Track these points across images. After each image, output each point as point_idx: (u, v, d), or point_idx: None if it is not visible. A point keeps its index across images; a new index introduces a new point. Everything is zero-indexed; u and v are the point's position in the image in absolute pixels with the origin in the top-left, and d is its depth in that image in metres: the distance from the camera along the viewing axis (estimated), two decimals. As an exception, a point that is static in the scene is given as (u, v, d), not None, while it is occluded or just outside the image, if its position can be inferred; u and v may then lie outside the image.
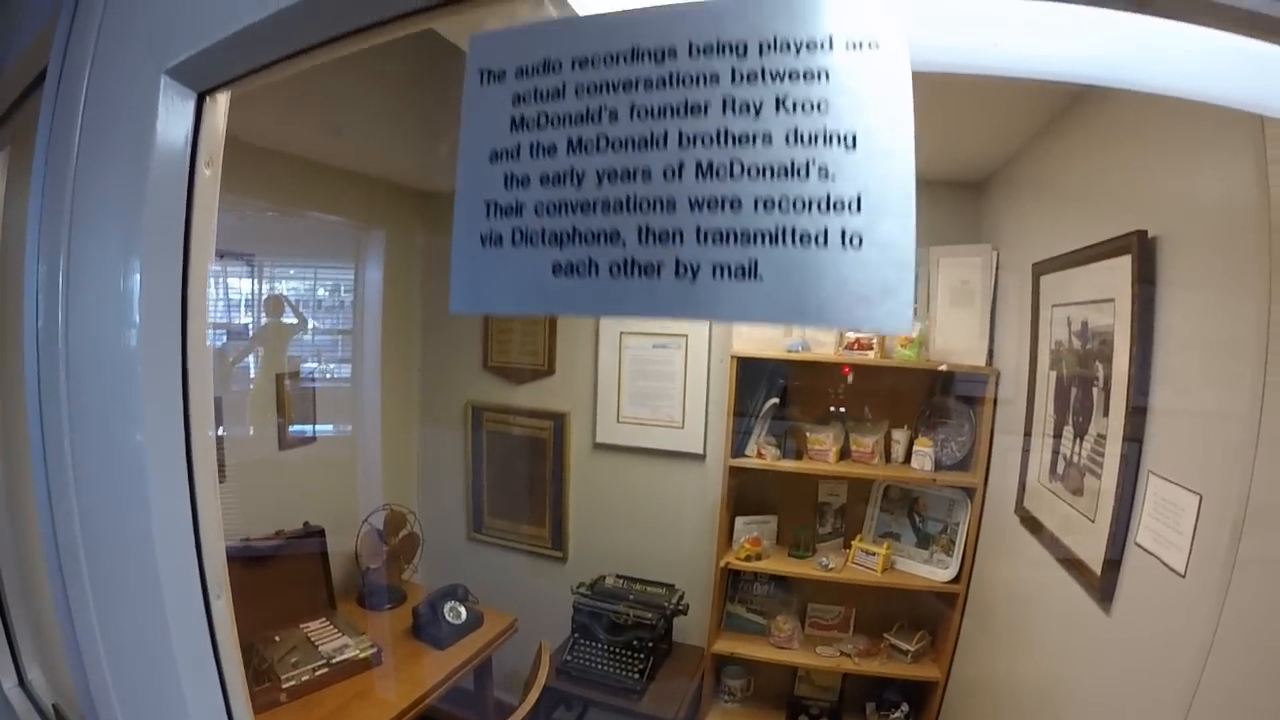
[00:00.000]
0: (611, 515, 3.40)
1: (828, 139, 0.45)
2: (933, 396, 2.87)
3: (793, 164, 0.46)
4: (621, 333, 3.28)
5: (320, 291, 3.39)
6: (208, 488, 0.89)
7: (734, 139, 0.48)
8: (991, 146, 2.52)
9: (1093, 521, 1.84)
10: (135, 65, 0.83)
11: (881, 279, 0.44)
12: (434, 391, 3.62)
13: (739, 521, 3.07)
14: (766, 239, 0.46)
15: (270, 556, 2.75)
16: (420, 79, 2.06)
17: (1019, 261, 2.46)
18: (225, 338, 3.00)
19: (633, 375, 3.28)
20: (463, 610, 2.96)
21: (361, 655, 2.66)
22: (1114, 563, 1.72)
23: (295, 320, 3.17)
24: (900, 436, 2.91)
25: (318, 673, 2.53)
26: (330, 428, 3.25)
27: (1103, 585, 1.76)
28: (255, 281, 3.09)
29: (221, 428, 2.79)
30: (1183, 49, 0.57)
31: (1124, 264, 1.72)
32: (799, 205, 0.46)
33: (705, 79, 0.49)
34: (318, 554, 2.96)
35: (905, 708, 2.90)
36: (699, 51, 0.49)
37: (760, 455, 2.98)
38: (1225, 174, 1.43)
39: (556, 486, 3.43)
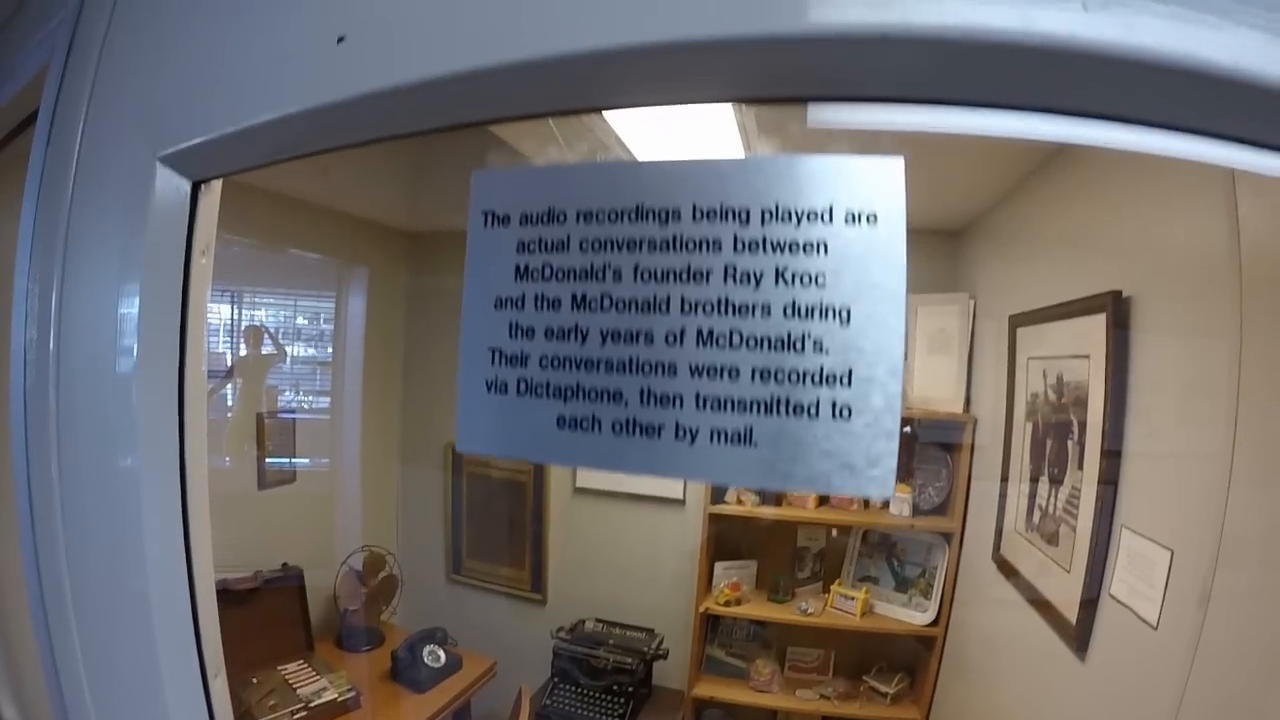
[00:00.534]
0: (591, 559, 3.42)
1: (823, 313, 0.48)
2: (910, 443, 2.92)
3: (789, 336, 0.49)
4: None
5: (300, 320, 3.39)
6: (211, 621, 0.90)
7: (735, 309, 0.50)
8: (970, 196, 2.57)
9: (1068, 571, 1.89)
10: (128, 144, 0.84)
11: (867, 450, 0.47)
12: (414, 432, 3.61)
13: (719, 566, 3.10)
14: (762, 408, 0.49)
15: (248, 597, 2.75)
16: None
17: (996, 310, 2.52)
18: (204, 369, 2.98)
19: None
20: (442, 653, 2.96)
21: (340, 698, 2.65)
22: (1089, 612, 1.77)
23: (274, 350, 3.18)
24: None
25: (296, 716, 2.52)
26: (308, 462, 3.24)
27: (1078, 633, 1.81)
28: (234, 308, 3.10)
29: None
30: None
31: (1099, 322, 1.78)
32: (793, 377, 0.48)
33: (708, 245, 0.51)
34: (296, 595, 2.95)
35: (884, 750, 2.93)
36: (703, 215, 0.52)
37: (740, 502, 3.02)
38: (1198, 228, 1.49)
39: (536, 529, 3.43)
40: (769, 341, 0.49)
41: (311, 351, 3.42)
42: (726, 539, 3.14)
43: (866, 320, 0.47)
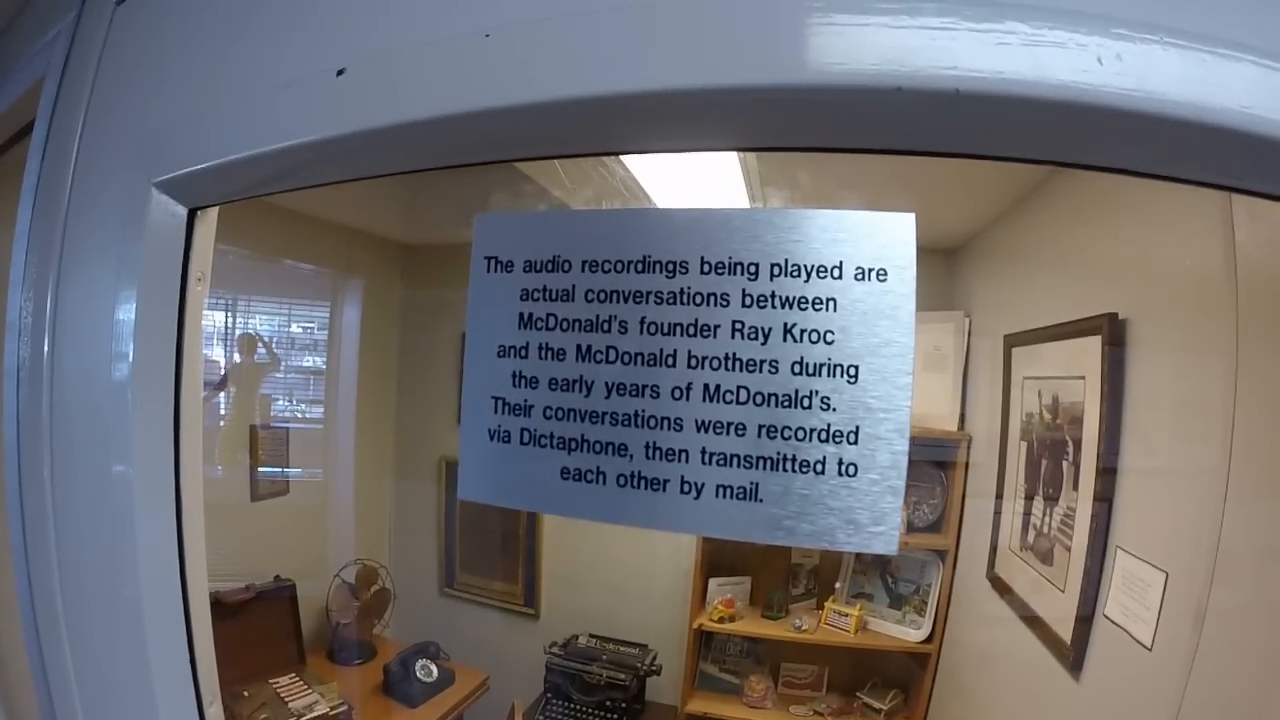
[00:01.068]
0: (584, 574, 3.41)
1: (831, 370, 0.49)
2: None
3: (796, 393, 0.49)
4: None
5: (295, 328, 3.37)
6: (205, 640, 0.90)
7: (742, 364, 0.51)
8: (967, 215, 2.58)
9: (1062, 590, 1.90)
10: (123, 168, 0.84)
11: (872, 506, 0.48)
12: (408, 445, 3.61)
13: (713, 583, 3.10)
14: (768, 464, 0.50)
15: (240, 609, 2.75)
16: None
17: (991, 329, 2.53)
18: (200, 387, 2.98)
19: None
20: (434, 668, 2.97)
21: (332, 712, 2.65)
22: (1083, 632, 1.78)
23: (268, 359, 3.18)
24: None
25: (287, 731, 2.52)
26: (302, 472, 3.23)
27: (1073, 653, 1.81)
28: (228, 315, 3.09)
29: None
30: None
31: (1094, 344, 1.79)
32: (800, 434, 0.49)
33: (716, 299, 0.52)
34: (288, 607, 2.95)
35: (878, 767, 2.93)
36: (711, 268, 0.52)
37: None
38: (1194, 251, 1.49)
39: (530, 544, 3.43)
40: (776, 398, 0.49)
41: (305, 361, 3.40)
42: (721, 555, 3.13)
43: (875, 378, 0.47)
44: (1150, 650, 1.52)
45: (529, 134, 0.58)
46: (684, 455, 0.52)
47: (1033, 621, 2.06)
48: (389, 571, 3.26)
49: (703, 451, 0.51)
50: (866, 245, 0.49)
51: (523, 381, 0.58)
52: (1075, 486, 1.90)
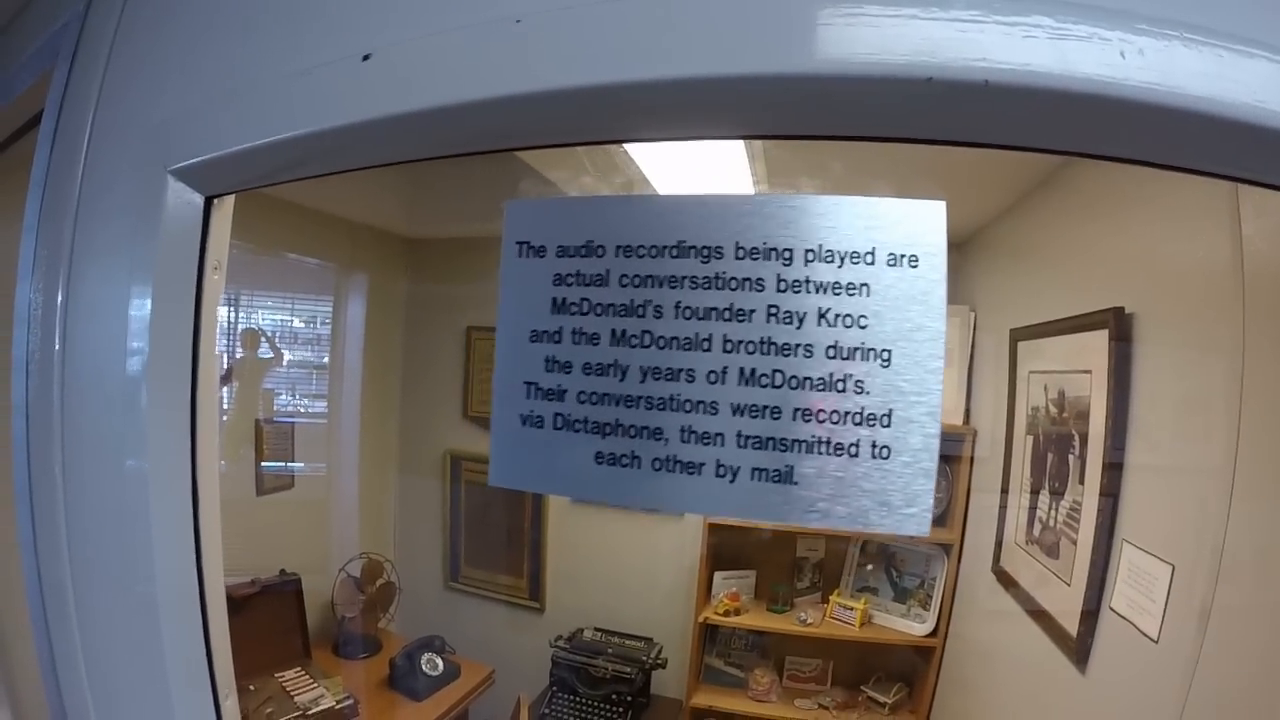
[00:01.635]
0: (590, 568, 3.43)
1: (865, 354, 0.50)
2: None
3: (831, 377, 0.50)
4: None
5: (297, 323, 3.37)
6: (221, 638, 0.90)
7: (777, 349, 0.51)
8: (973, 209, 2.58)
9: (1068, 584, 1.90)
10: (137, 156, 0.83)
11: (905, 488, 0.49)
12: (412, 439, 3.62)
13: (718, 576, 3.12)
14: (803, 448, 0.50)
15: (245, 603, 2.75)
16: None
17: (997, 324, 2.54)
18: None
19: None
20: (440, 662, 2.98)
21: (337, 706, 2.66)
22: (1089, 625, 1.79)
23: (271, 354, 3.18)
24: None
25: (294, 725, 2.53)
26: (304, 467, 3.23)
27: (1079, 646, 1.82)
28: (230, 311, 3.09)
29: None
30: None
31: (1101, 338, 1.80)
32: (835, 418, 0.50)
33: (751, 284, 0.52)
34: (294, 601, 2.95)
35: (882, 760, 2.95)
36: (746, 253, 0.52)
37: None
38: (1201, 245, 1.50)
39: (535, 538, 3.44)
40: (810, 382, 0.50)
41: (309, 355, 3.41)
42: (725, 549, 3.15)
43: (907, 362, 0.48)
44: (1157, 643, 1.53)
45: (559, 121, 0.59)
46: (719, 439, 0.52)
47: (1038, 614, 2.07)
48: (394, 566, 3.27)
49: (738, 435, 0.52)
50: (897, 231, 0.50)
51: (556, 366, 0.58)
52: (1081, 480, 1.90)
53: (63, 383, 0.90)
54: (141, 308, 0.81)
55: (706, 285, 0.53)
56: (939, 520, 2.86)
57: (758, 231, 0.52)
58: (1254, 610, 1.29)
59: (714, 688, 3.14)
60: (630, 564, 3.35)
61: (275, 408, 3.19)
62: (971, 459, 2.69)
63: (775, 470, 0.51)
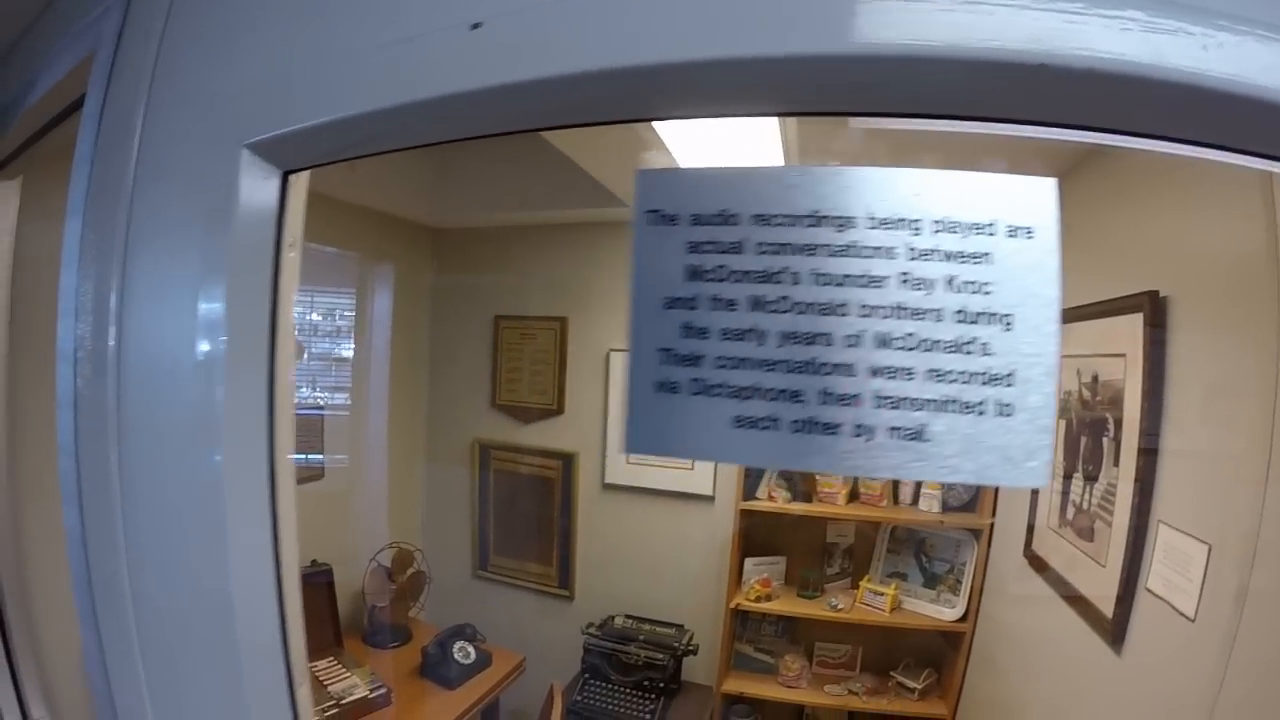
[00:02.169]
0: (619, 555, 3.47)
1: (989, 319, 0.53)
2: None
3: (958, 340, 0.53)
4: None
5: (324, 315, 3.38)
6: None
7: (909, 313, 0.54)
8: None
9: (1103, 566, 1.94)
10: (207, 133, 0.81)
11: (1026, 444, 0.52)
12: (440, 429, 3.66)
13: (748, 562, 3.16)
14: (934, 407, 0.53)
15: (278, 594, 2.78)
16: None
17: (1028, 308, 2.57)
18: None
19: None
20: (472, 650, 3.02)
21: (370, 695, 2.70)
22: (1125, 605, 1.82)
23: (297, 346, 3.18)
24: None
25: (328, 714, 2.57)
26: (333, 458, 3.26)
27: (1114, 627, 1.85)
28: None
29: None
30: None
31: (1135, 322, 1.83)
32: (963, 378, 0.53)
33: (884, 252, 0.55)
34: (325, 591, 2.99)
35: (910, 744, 2.99)
36: (878, 223, 0.55)
37: (771, 498, 3.07)
38: (1235, 230, 1.53)
39: (564, 526, 3.48)
40: (941, 344, 0.53)
41: (336, 347, 3.42)
42: (756, 535, 3.18)
43: (1026, 326, 0.52)
44: (1193, 621, 1.56)
45: (671, 93, 0.60)
46: (856, 400, 0.55)
47: (1072, 597, 2.10)
48: (424, 555, 3.31)
49: (875, 396, 0.54)
50: (1014, 206, 0.53)
51: (693, 332, 0.59)
52: (1116, 463, 1.93)
53: (119, 373, 0.86)
54: (215, 291, 0.79)
55: (841, 253, 0.56)
56: (968, 506, 2.91)
57: (889, 203, 0.55)
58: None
59: (744, 674, 3.18)
60: (659, 551, 3.39)
61: (301, 399, 3.21)
62: None
63: (909, 429, 0.54)
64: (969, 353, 0.53)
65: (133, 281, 0.86)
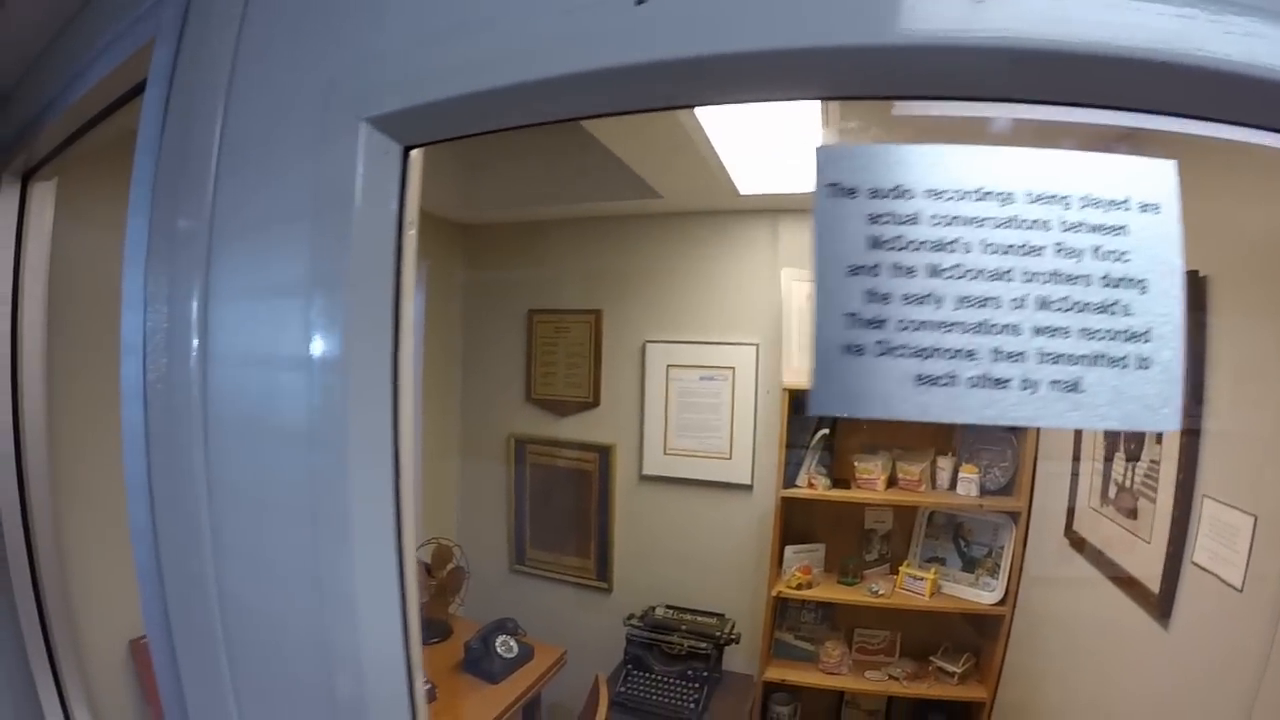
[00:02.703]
0: (657, 546, 3.51)
1: (1128, 284, 0.61)
2: (977, 424, 2.98)
3: (1104, 302, 0.60)
4: (668, 365, 3.40)
5: None
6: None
7: (1064, 279, 0.61)
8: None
9: (1148, 542, 1.99)
10: (314, 109, 0.77)
11: (1161, 393, 0.60)
12: (475, 424, 3.71)
13: (788, 550, 3.19)
14: (1086, 362, 0.60)
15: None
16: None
17: (1061, 290, 2.62)
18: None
19: (680, 407, 3.39)
20: (514, 644, 3.06)
21: (417, 691, 2.74)
22: (1171, 580, 1.87)
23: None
24: (945, 464, 3.07)
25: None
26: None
27: (1160, 601, 1.91)
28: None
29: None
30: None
31: (1175, 302, 1.88)
32: (1109, 336, 0.60)
33: (1040, 224, 0.61)
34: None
35: (950, 728, 3.04)
36: (1035, 199, 0.62)
37: (811, 485, 3.11)
38: (1276, 209, 1.60)
39: (602, 518, 3.53)
40: (1090, 306, 0.60)
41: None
42: (794, 523, 3.22)
43: (1158, 290, 0.59)
44: (1241, 591, 1.62)
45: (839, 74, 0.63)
46: (1022, 357, 0.61)
47: (1117, 574, 2.15)
48: (463, 550, 3.37)
49: (1038, 353, 0.61)
50: (1143, 184, 0.61)
51: (876, 298, 0.63)
52: (1159, 441, 1.99)
53: (203, 367, 0.83)
54: (333, 275, 0.75)
55: (1005, 225, 0.62)
56: (1005, 489, 2.97)
57: (1042, 180, 0.62)
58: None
59: (785, 662, 3.22)
60: (697, 541, 3.43)
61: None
62: (1038, 428, 2.75)
63: (1067, 382, 0.60)
64: (1113, 313, 0.60)
65: (221, 270, 0.84)
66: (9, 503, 1.80)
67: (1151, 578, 1.96)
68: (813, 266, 0.66)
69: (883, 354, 0.63)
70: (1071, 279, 0.61)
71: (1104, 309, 0.61)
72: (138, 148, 0.94)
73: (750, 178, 2.76)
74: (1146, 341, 0.61)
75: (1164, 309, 0.60)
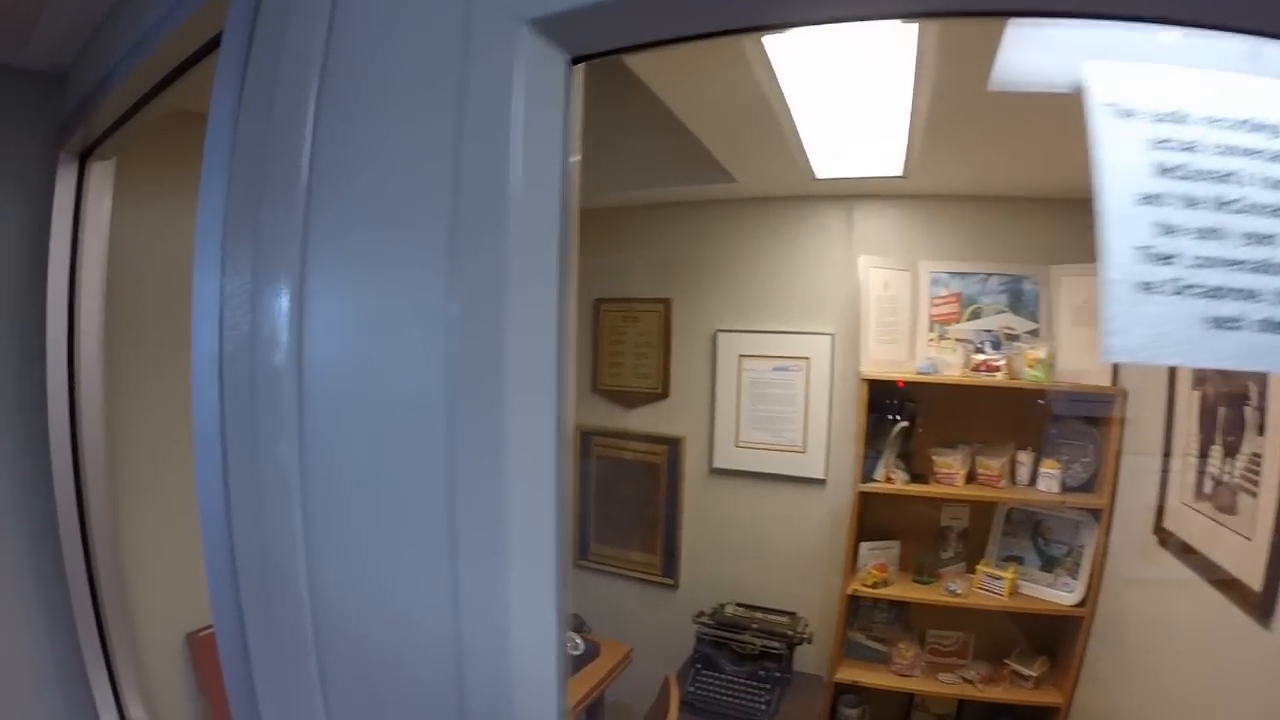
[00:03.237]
0: (725, 542, 3.49)
1: None
2: (1058, 418, 3.00)
3: None
4: (740, 355, 3.38)
5: None
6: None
7: None
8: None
9: (1249, 540, 1.96)
10: (445, 3, 0.67)
11: None
12: (539, 416, 3.67)
13: (863, 547, 3.16)
14: None
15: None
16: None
17: (1147, 280, 2.59)
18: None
19: (752, 399, 3.37)
20: (580, 641, 3.06)
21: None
22: (1274, 578, 1.84)
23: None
24: (1025, 459, 3.03)
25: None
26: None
27: (1262, 600, 1.87)
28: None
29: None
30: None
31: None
32: None
33: None
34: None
35: (1022, 734, 3.00)
36: None
37: (889, 480, 3.09)
38: None
39: (670, 512, 3.52)
40: None
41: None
42: (869, 519, 3.18)
43: None
44: None
45: None
46: None
47: (1213, 573, 2.12)
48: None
49: None
50: None
51: (1166, 231, 0.60)
52: (1260, 432, 1.96)
53: (298, 336, 0.74)
54: (487, 216, 0.64)
55: (1274, 159, 0.59)
56: (1087, 485, 2.92)
57: None
58: None
59: (855, 662, 3.19)
60: (766, 537, 3.40)
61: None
62: (1121, 421, 2.75)
63: None
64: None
65: (322, 218, 0.74)
66: (64, 487, 1.83)
67: (1252, 575, 1.93)
68: (1096, 195, 0.62)
69: (1175, 293, 0.60)
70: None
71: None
72: (215, 80, 0.86)
73: (828, 160, 2.75)
74: None
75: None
